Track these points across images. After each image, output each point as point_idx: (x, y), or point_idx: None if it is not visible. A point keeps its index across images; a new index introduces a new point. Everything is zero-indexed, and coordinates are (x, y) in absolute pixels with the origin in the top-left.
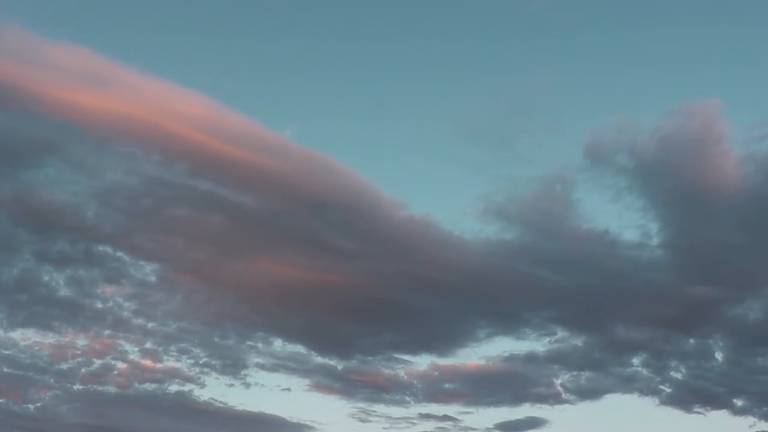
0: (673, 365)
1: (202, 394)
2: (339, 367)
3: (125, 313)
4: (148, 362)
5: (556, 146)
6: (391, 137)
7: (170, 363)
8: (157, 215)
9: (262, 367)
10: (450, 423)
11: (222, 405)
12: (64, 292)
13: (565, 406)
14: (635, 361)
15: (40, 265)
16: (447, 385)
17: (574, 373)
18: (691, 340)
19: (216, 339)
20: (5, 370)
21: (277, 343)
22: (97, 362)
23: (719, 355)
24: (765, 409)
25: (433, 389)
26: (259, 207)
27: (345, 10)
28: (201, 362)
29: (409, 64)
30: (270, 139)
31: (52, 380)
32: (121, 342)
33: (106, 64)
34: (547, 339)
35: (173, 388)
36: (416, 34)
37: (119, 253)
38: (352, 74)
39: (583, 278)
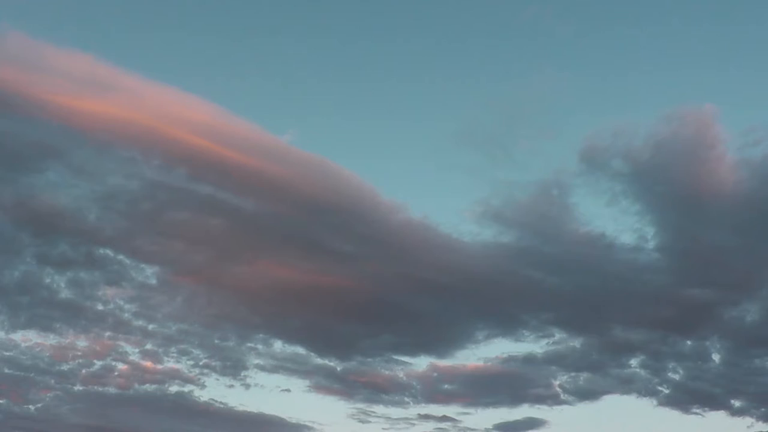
0: (670, 366)
1: (202, 395)
2: (338, 368)
3: (126, 315)
4: (148, 363)
5: (552, 151)
6: (390, 141)
7: (170, 364)
8: (158, 219)
9: (261, 368)
10: (449, 423)
11: (222, 406)
12: (65, 294)
13: (564, 406)
14: (633, 362)
15: (42, 268)
16: (446, 386)
17: (573, 374)
18: (689, 342)
19: (216, 340)
20: (6, 371)
21: (277, 345)
22: (98, 363)
23: (716, 357)
24: (763, 409)
25: (432, 390)
26: (259, 210)
27: (345, 14)
28: (201, 363)
29: (408, 69)
30: (270, 143)
31: (52, 381)
32: (122, 343)
33: (108, 70)
34: (545, 340)
35: (173, 389)
36: (415, 39)
37: (120, 256)
38: (351, 78)
39: (580, 281)
